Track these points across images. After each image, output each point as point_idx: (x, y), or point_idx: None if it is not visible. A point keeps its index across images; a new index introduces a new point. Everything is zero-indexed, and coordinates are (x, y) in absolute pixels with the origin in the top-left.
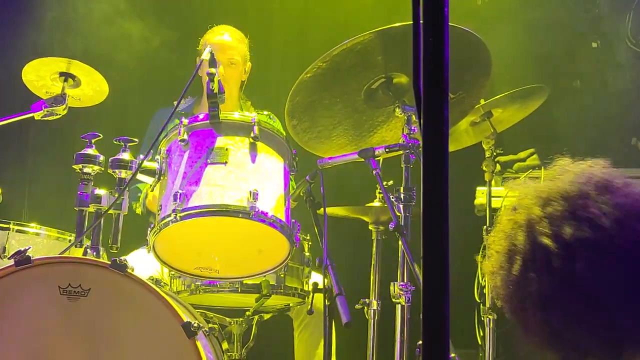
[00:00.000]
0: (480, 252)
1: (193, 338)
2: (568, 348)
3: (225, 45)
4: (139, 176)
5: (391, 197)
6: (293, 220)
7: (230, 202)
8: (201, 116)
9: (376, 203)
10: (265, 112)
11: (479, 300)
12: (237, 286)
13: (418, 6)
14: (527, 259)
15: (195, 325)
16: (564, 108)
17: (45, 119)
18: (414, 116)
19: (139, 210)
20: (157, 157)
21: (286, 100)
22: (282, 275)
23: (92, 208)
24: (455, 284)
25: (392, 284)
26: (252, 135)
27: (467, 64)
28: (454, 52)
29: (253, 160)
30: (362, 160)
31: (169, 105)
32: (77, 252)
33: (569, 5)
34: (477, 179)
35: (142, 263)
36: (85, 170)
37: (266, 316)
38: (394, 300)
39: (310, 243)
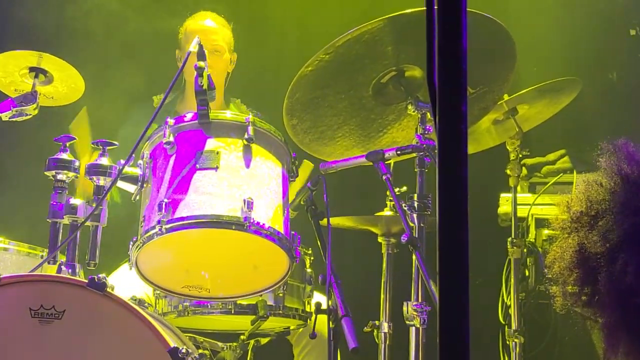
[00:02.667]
0: (505, 268)
1: None
2: None
3: (207, 30)
4: (120, 184)
5: (403, 205)
6: (293, 232)
7: (222, 212)
8: (189, 116)
9: (387, 212)
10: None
11: (503, 322)
12: (230, 307)
13: None
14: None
15: (184, 351)
16: (598, 104)
17: (14, 119)
18: (428, 114)
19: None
20: (140, 162)
21: (284, 98)
22: (280, 295)
23: (66, 220)
24: (476, 303)
25: (405, 303)
26: (246, 136)
27: (489, 54)
28: (473, 42)
29: (247, 165)
30: (371, 164)
31: (147, 99)
32: (51, 270)
33: None
34: (501, 185)
35: (124, 281)
36: (59, 177)
37: (263, 340)
38: (407, 322)
39: (312, 258)
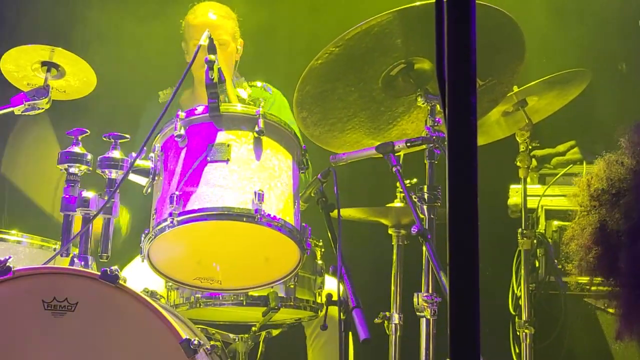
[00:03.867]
0: (515, 259)
1: (193, 357)
2: None
3: (210, 24)
4: (131, 177)
5: (413, 197)
6: (303, 224)
7: (233, 204)
8: (199, 109)
9: (397, 204)
10: (259, 84)
11: (513, 313)
12: (241, 299)
13: None
14: None
15: (196, 342)
16: (608, 95)
17: (27, 113)
18: (438, 106)
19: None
20: (151, 155)
21: (294, 90)
22: (291, 286)
23: (79, 212)
24: (486, 294)
25: (415, 294)
26: (256, 129)
27: (498, 46)
28: (482, 34)
29: (258, 158)
30: (381, 156)
31: (153, 94)
32: (63, 262)
33: None
34: (511, 176)
35: (137, 274)
36: (72, 170)
37: (274, 332)
38: (417, 313)
39: (322, 249)
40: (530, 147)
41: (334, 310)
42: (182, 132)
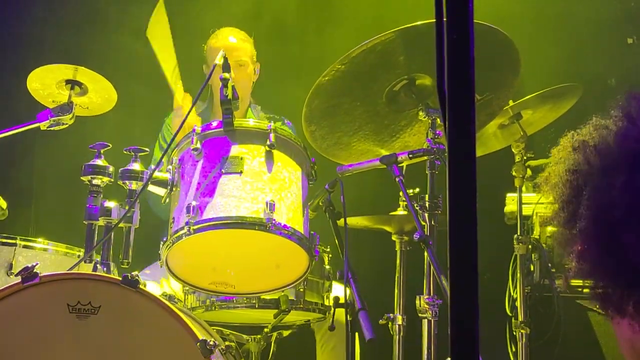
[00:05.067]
0: (511, 263)
1: (209, 357)
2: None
3: (230, 47)
4: (151, 187)
5: (415, 205)
6: (312, 232)
7: (246, 213)
8: (214, 124)
9: (400, 212)
10: (277, 117)
11: (510, 314)
12: (254, 302)
13: (441, 3)
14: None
15: (211, 343)
16: (598, 108)
17: (52, 129)
18: (438, 119)
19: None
20: (169, 167)
21: (303, 106)
22: (301, 290)
23: (101, 221)
24: (485, 296)
25: (417, 297)
26: (268, 143)
27: (494, 63)
28: (480, 51)
29: (269, 170)
30: (384, 167)
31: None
32: (87, 268)
33: None
34: (507, 185)
35: (155, 279)
36: (94, 182)
37: (285, 333)
38: (420, 314)
39: (330, 255)
40: (525, 157)
41: (341, 315)
42: (198, 145)
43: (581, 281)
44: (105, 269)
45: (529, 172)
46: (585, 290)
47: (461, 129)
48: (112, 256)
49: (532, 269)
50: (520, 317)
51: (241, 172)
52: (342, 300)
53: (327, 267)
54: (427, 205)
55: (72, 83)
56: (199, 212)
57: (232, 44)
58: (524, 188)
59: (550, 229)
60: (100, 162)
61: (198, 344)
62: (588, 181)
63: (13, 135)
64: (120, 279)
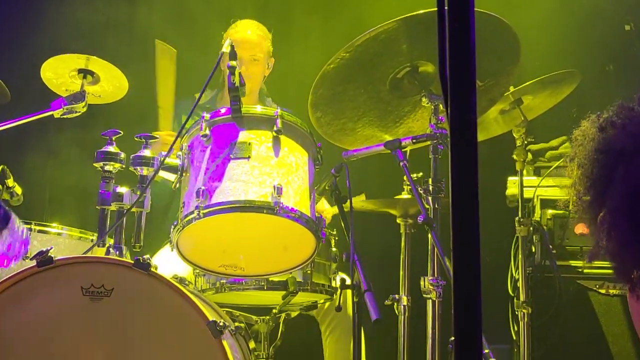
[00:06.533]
0: (513, 245)
1: (219, 337)
2: None
3: (248, 42)
4: (161, 173)
5: (419, 189)
6: (319, 215)
7: (254, 197)
8: (223, 110)
9: (404, 195)
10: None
11: (512, 294)
12: (262, 284)
13: None
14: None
15: (221, 324)
16: (596, 94)
17: (65, 117)
18: (441, 105)
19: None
20: (179, 153)
21: (309, 93)
22: (308, 272)
23: (114, 206)
24: (487, 277)
25: (422, 278)
26: (275, 128)
27: (495, 50)
28: (481, 39)
29: (276, 154)
30: (389, 151)
31: (189, 96)
32: (100, 252)
33: None
34: (508, 169)
35: (166, 261)
36: (107, 168)
37: (293, 314)
38: (424, 295)
39: (336, 238)
40: (525, 142)
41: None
42: (207, 132)
43: (582, 262)
44: (117, 252)
45: (529, 156)
46: (586, 270)
47: (463, 114)
48: (125, 240)
49: (533, 250)
50: (522, 297)
51: (249, 157)
52: (348, 282)
53: (334, 249)
54: (430, 188)
55: (85, 72)
56: (208, 196)
57: (251, 39)
58: (524, 171)
59: (551, 211)
60: (112, 148)
61: (208, 324)
62: (620, 161)
63: (28, 123)
64: (133, 262)
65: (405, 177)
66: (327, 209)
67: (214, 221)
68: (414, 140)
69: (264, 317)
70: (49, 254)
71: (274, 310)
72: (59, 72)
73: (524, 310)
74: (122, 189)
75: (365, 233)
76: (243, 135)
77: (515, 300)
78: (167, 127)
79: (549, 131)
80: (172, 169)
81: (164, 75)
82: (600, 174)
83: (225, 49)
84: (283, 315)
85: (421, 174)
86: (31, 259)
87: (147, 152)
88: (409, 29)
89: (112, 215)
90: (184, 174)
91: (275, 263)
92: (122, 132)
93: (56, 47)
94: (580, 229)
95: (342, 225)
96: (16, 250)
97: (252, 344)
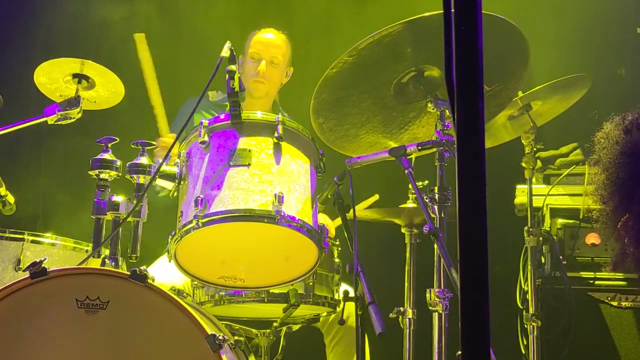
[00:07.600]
0: (522, 255)
1: (218, 352)
2: None
3: (269, 42)
4: (158, 181)
5: (425, 197)
6: (321, 225)
7: (255, 206)
8: (222, 116)
9: (409, 204)
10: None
11: (521, 307)
12: (263, 296)
13: None
14: None
15: (220, 337)
16: (608, 98)
17: (59, 123)
18: (447, 111)
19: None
20: (177, 160)
21: (311, 98)
22: (310, 284)
23: (109, 216)
24: (495, 289)
25: (428, 290)
26: (275, 135)
27: (503, 54)
28: (489, 42)
29: (277, 162)
30: (393, 159)
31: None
32: (95, 263)
33: None
34: (517, 177)
35: (164, 272)
36: (102, 176)
37: (295, 327)
38: (430, 308)
39: (339, 248)
40: (535, 149)
41: (350, 314)
42: (206, 138)
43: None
44: (113, 263)
45: (539, 163)
46: (597, 282)
47: (470, 120)
48: (120, 251)
49: (542, 261)
50: (532, 310)
51: (249, 165)
52: (352, 294)
53: (337, 260)
54: (436, 197)
55: (79, 77)
56: (207, 205)
57: (271, 40)
58: (534, 179)
59: (561, 220)
60: (107, 156)
61: (207, 338)
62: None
63: (21, 130)
64: (129, 273)
65: (410, 186)
66: (328, 223)
67: (213, 231)
68: (420, 147)
69: (264, 330)
70: (43, 265)
71: (274, 324)
72: (53, 77)
73: (533, 324)
74: (118, 198)
75: (370, 243)
76: (243, 142)
77: (524, 312)
78: (166, 130)
79: (558, 138)
80: (169, 177)
81: (147, 67)
82: (626, 178)
83: (225, 53)
84: (284, 328)
85: (427, 182)
86: (24, 270)
87: (143, 160)
88: (414, 32)
89: (107, 224)
90: (182, 182)
91: (276, 274)
92: (118, 139)
93: (50, 51)
94: (592, 239)
95: (345, 235)
96: None
97: (252, 359)
